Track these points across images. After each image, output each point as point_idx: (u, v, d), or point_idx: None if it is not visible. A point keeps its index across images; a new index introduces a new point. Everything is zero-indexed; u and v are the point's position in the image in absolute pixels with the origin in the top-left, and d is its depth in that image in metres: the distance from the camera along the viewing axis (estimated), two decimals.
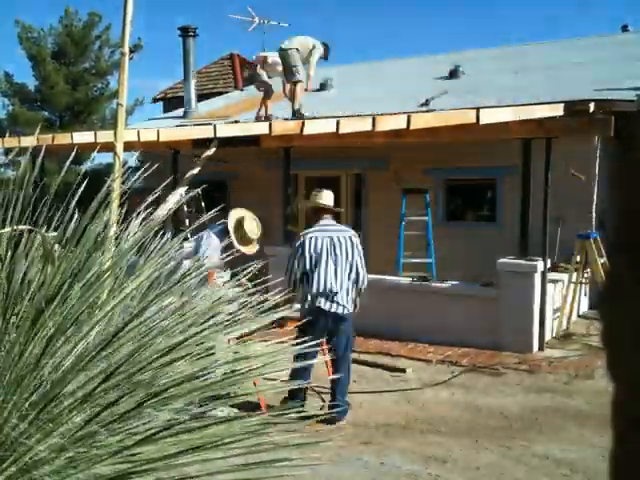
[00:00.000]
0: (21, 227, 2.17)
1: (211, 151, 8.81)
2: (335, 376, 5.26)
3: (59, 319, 1.96)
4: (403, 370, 6.89)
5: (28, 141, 7.75)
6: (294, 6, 60.68)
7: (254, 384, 2.58)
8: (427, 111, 9.30)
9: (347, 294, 5.41)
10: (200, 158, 8.94)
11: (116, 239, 2.41)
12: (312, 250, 5.41)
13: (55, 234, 2.27)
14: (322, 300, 5.34)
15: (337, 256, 5.40)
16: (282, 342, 2.46)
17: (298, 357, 3.53)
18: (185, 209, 10.55)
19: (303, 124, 8.08)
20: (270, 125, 8.38)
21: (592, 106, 7.37)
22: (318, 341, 3.60)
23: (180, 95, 15.74)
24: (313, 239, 5.45)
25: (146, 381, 1.98)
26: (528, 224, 7.77)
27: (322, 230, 5.50)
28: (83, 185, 2.26)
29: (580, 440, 4.99)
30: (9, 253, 2.08)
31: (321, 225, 5.55)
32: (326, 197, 5.69)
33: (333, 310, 5.36)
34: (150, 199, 2.48)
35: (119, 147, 2.98)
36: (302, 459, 1.95)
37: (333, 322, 5.39)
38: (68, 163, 2.36)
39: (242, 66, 19.40)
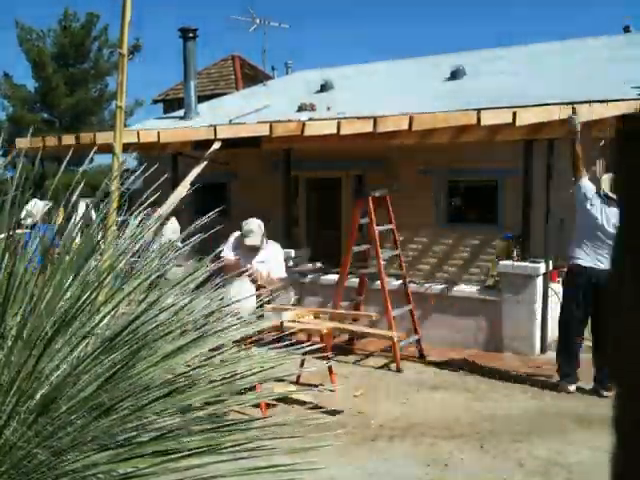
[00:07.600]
0: (19, 231, 2.16)
1: (212, 151, 8.78)
2: None
3: (58, 321, 1.95)
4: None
5: (25, 143, 7.74)
6: (294, 6, 60.77)
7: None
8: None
9: None
10: (201, 159, 8.92)
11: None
12: None
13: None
14: None
15: None
16: (285, 346, 2.44)
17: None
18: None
19: (304, 125, 8.06)
20: (271, 126, 8.35)
21: (594, 107, 7.35)
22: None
23: (180, 96, 15.72)
24: None
25: (145, 384, 1.97)
26: (530, 226, 7.75)
27: None
28: (81, 185, 2.25)
29: (582, 443, 4.96)
30: (7, 254, 2.07)
31: None
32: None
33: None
34: (149, 199, 2.47)
35: (118, 148, 2.97)
36: (302, 463, 1.94)
37: None
38: (64, 164, 2.35)
39: (242, 67, 19.42)
